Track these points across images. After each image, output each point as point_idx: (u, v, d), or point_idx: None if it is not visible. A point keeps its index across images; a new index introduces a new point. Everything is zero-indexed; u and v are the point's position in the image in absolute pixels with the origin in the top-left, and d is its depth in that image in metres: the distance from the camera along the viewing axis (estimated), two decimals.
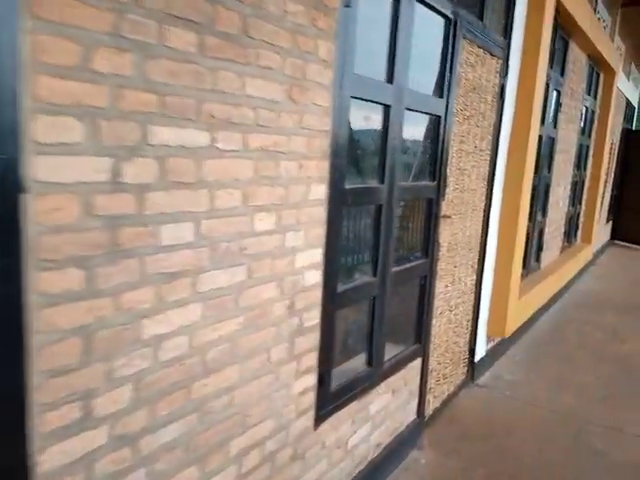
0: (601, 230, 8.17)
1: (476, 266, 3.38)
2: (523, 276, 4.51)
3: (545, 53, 3.47)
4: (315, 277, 1.81)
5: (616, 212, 9.46)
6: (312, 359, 1.86)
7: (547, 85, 4.24)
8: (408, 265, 2.50)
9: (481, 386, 3.61)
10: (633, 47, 7.82)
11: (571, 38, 4.70)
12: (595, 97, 6.26)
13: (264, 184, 1.52)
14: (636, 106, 10.27)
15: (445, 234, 2.82)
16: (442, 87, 2.49)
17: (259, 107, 1.46)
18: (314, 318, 1.84)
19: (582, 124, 5.86)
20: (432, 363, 2.94)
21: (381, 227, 2.18)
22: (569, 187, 5.68)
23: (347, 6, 1.71)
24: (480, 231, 3.34)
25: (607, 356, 4.31)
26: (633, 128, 10.46)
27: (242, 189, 1.45)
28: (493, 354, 3.96)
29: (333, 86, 1.72)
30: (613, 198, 8.98)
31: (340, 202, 1.86)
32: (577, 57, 5.11)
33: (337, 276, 1.94)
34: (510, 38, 3.21)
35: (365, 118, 2.02)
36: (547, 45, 3.49)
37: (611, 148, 7.50)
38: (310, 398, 1.89)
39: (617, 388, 3.72)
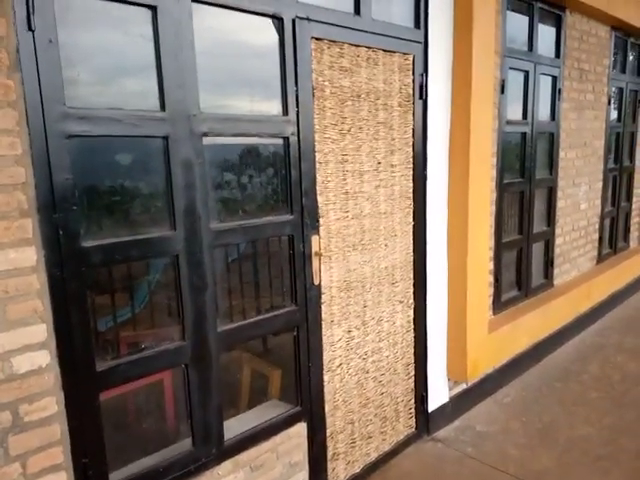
0: None
1: (411, 300, 2.83)
2: (517, 300, 3.80)
3: (487, 31, 2.83)
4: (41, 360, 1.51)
5: None
6: None
7: (525, 72, 3.54)
8: (258, 318, 2.10)
9: (437, 440, 3.03)
10: None
11: (568, 10, 3.91)
12: (638, 73, 5.22)
13: None
14: None
15: (331, 273, 2.36)
16: (286, 104, 2.07)
17: None
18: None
19: (616, 109, 4.90)
20: (335, 424, 2.47)
21: (181, 282, 1.82)
22: (600, 185, 4.75)
23: None
24: (411, 258, 2.79)
25: (630, 399, 3.46)
26: None
27: None
28: (469, 397, 3.34)
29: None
30: None
31: (72, 266, 1.54)
32: (588, 31, 4.26)
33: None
34: (426, 25, 2.65)
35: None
36: (488, 21, 2.84)
37: None
38: None
39: (623, 445, 2.93)
